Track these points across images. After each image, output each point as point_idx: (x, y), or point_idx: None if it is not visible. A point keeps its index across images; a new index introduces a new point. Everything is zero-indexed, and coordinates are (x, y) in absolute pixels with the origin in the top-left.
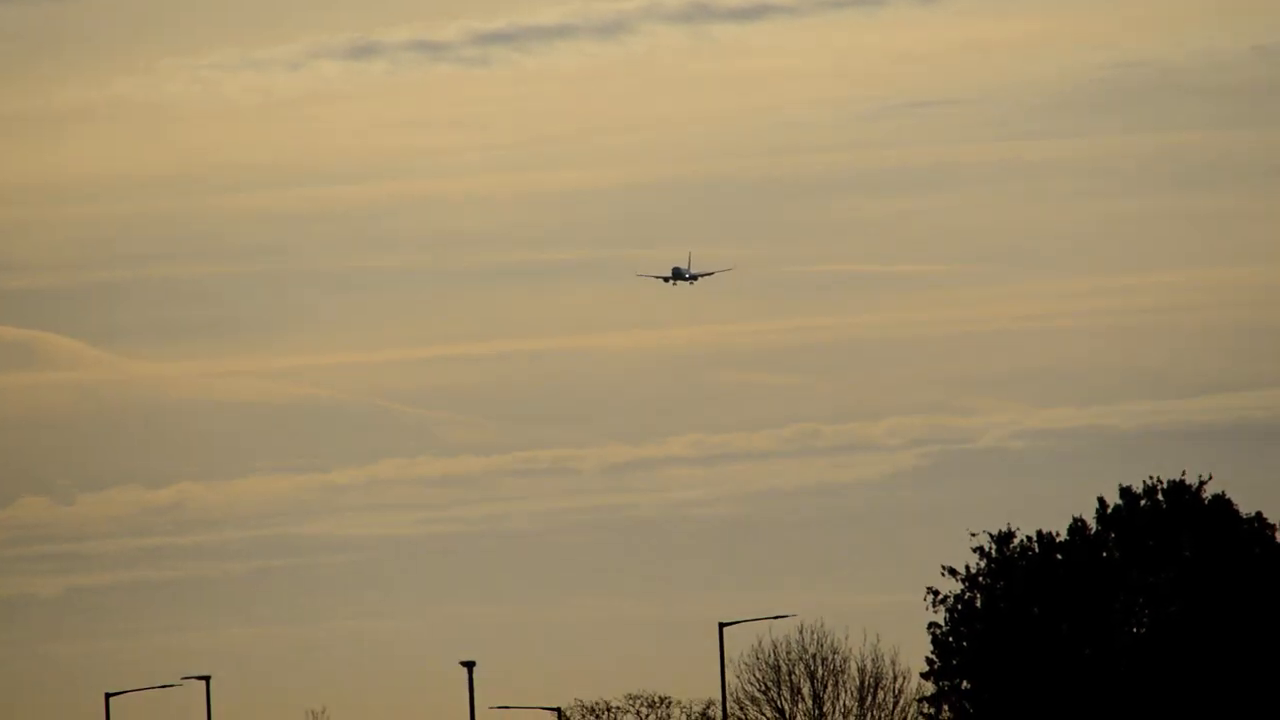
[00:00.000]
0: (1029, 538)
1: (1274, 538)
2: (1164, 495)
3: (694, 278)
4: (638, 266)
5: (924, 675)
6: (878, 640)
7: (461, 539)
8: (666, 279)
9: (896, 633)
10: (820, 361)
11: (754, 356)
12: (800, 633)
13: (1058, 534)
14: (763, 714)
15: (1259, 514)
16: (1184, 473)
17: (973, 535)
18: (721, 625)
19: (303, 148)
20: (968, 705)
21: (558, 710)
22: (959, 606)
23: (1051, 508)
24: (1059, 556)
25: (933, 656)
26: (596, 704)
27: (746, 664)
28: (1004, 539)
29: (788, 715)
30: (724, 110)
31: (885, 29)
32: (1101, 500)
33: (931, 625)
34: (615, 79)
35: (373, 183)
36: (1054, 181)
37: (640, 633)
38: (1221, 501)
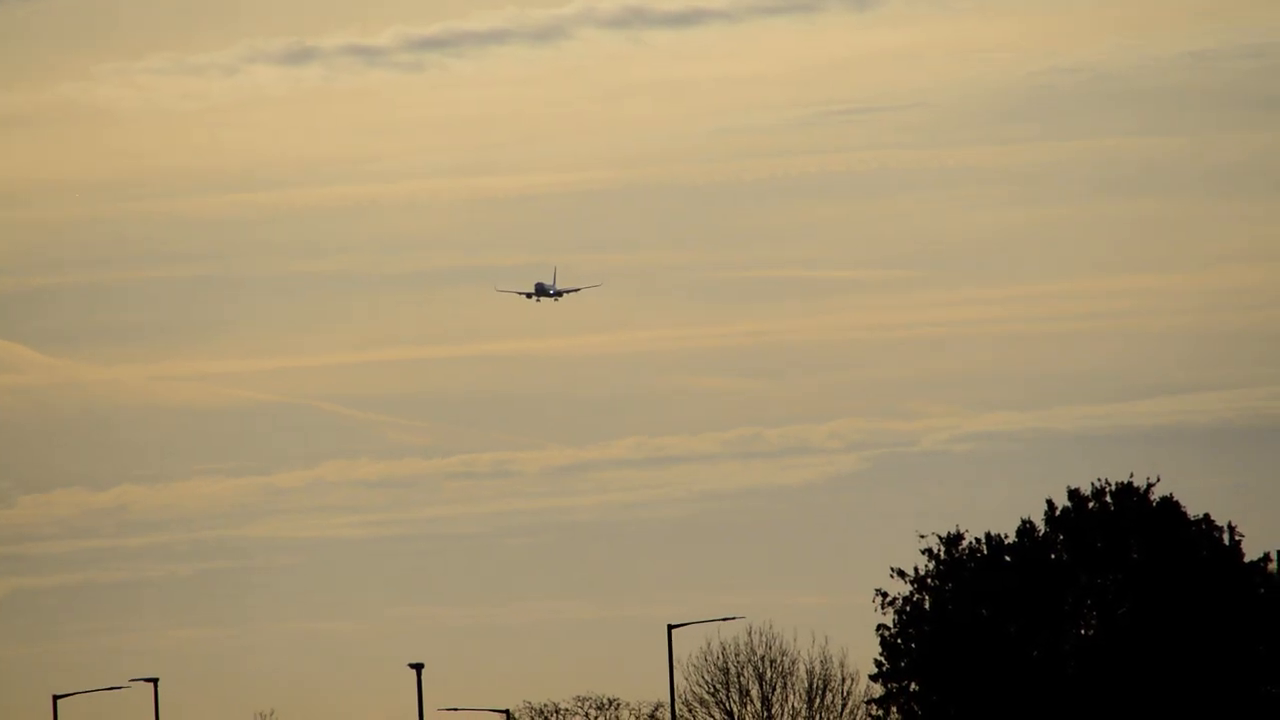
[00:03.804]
0: (978, 539)
1: (1222, 540)
2: (1112, 497)
3: (558, 294)
4: (574, 269)
5: (873, 677)
6: (826, 642)
7: (405, 541)
8: (529, 295)
9: (845, 635)
10: (761, 365)
11: (695, 360)
12: (749, 634)
13: (1006, 536)
14: (711, 716)
15: (1206, 516)
16: (1131, 475)
17: (921, 537)
18: (670, 627)
19: (239, 153)
20: (916, 707)
21: (506, 712)
22: (907, 608)
23: (996, 510)
24: (1007, 558)
25: (881, 658)
26: (545, 706)
27: (695, 666)
28: (953, 541)
29: (736, 717)
30: (659, 116)
31: (820, 35)
32: (1050, 502)
33: (880, 627)
34: (550, 84)
35: (309, 187)
36: (990, 187)
37: (589, 634)
38: (1169, 504)
